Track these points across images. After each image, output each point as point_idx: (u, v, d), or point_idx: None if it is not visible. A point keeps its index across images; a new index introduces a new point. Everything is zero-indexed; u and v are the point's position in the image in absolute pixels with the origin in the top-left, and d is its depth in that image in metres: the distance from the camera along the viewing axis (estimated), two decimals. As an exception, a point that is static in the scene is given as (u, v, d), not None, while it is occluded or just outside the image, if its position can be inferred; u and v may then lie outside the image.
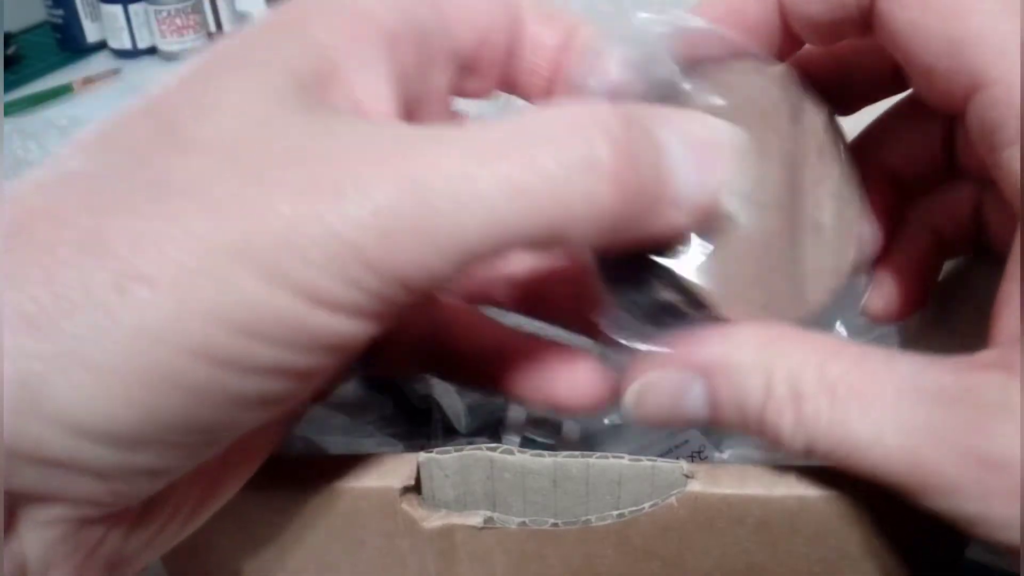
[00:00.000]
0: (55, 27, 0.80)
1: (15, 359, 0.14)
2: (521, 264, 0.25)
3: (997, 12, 0.17)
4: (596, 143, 0.16)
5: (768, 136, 0.20)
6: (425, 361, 0.24)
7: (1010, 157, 0.17)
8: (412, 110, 0.20)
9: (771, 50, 0.22)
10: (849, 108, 0.24)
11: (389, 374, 0.28)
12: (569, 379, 0.22)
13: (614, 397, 0.21)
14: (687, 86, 0.19)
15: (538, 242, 0.16)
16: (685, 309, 0.20)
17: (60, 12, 0.79)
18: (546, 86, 0.22)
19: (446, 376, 0.25)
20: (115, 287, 0.14)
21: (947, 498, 0.17)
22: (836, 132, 0.22)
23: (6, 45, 0.75)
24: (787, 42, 0.22)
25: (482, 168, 0.15)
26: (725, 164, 0.18)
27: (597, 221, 0.16)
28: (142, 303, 0.14)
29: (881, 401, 0.17)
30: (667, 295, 0.19)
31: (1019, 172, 0.17)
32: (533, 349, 0.23)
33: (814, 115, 0.22)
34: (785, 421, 0.18)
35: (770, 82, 0.21)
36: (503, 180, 0.15)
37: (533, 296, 0.25)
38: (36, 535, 0.15)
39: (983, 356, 0.18)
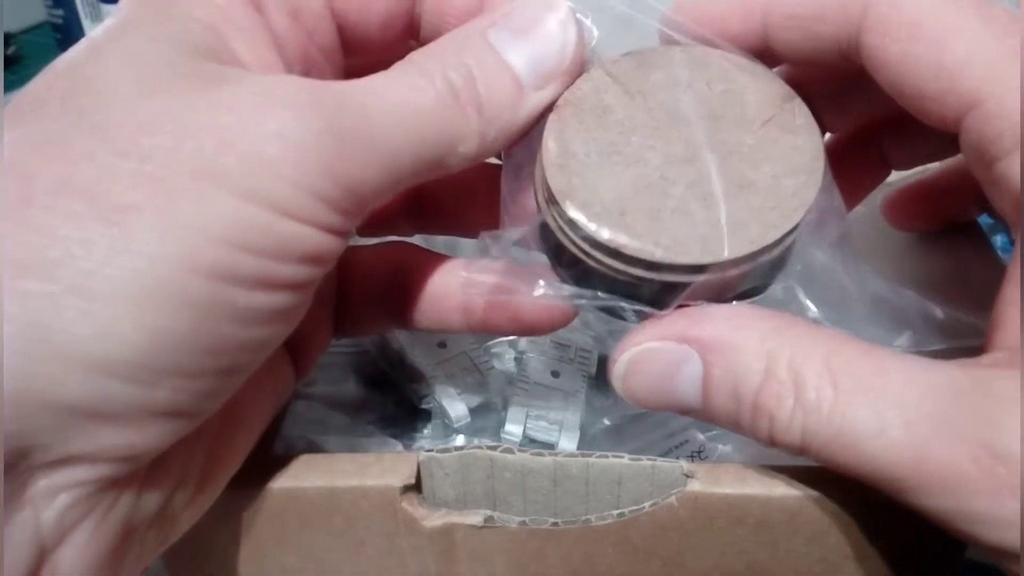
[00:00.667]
0: (55, 27, 0.80)
1: (21, 302, 0.14)
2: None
3: (984, 37, 0.18)
4: (451, 76, 0.19)
5: (683, 102, 0.21)
6: (393, 312, 0.25)
7: (1007, 167, 0.18)
8: (303, 70, 0.21)
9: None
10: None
11: (362, 333, 0.29)
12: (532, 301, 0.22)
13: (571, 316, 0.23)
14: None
15: (440, 155, 0.19)
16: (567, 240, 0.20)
17: (60, 12, 0.78)
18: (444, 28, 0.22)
19: (415, 325, 0.26)
20: (103, 220, 0.15)
21: (953, 493, 0.16)
22: (796, 111, 0.21)
23: (6, 45, 0.75)
24: (768, 62, 0.22)
25: (387, 92, 0.18)
26: (552, 34, 0.20)
27: (473, 135, 0.19)
28: (133, 229, 0.15)
29: (887, 392, 0.17)
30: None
31: (1017, 179, 0.17)
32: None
33: (767, 93, 0.21)
34: (782, 408, 0.18)
35: (701, 56, 0.21)
36: (403, 100, 0.18)
37: (430, 214, 0.27)
38: (50, 503, 0.15)
39: (990, 357, 0.17)
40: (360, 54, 0.22)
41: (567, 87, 0.21)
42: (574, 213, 0.19)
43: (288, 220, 0.16)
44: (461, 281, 0.24)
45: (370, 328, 0.27)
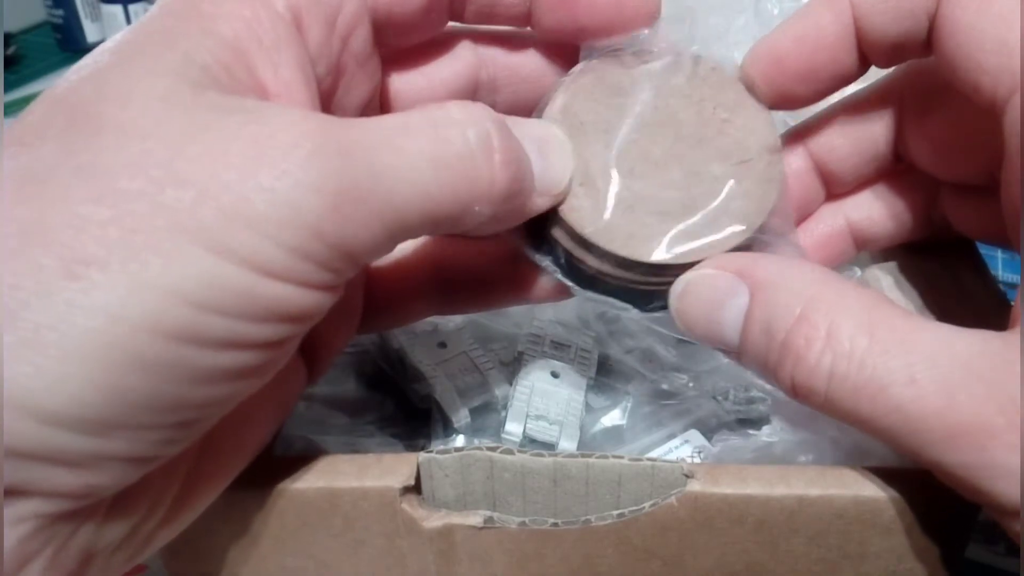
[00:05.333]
0: (55, 27, 0.80)
1: None
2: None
3: None
4: (490, 129, 0.18)
5: (685, 113, 0.22)
6: (433, 299, 0.25)
7: None
8: (332, 81, 0.20)
9: (841, 70, 0.22)
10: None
11: (405, 322, 0.28)
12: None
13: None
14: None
15: (451, 216, 0.18)
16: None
17: (60, 12, 0.79)
18: (523, 10, 0.23)
19: (452, 308, 0.26)
20: (65, 272, 0.14)
21: (977, 445, 0.16)
22: (772, 162, 0.23)
23: (6, 45, 0.75)
24: (861, 63, 0.22)
25: (407, 142, 0.17)
26: (561, 155, 0.21)
27: (492, 197, 0.19)
28: (94, 285, 0.14)
29: (921, 347, 0.17)
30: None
31: None
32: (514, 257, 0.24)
33: (758, 139, 0.23)
34: (811, 350, 0.18)
35: (727, 81, 0.23)
36: (424, 152, 0.17)
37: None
38: (8, 532, 0.15)
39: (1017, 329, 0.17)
40: (399, 45, 0.22)
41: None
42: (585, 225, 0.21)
43: (268, 279, 0.15)
44: None
45: (407, 319, 0.27)
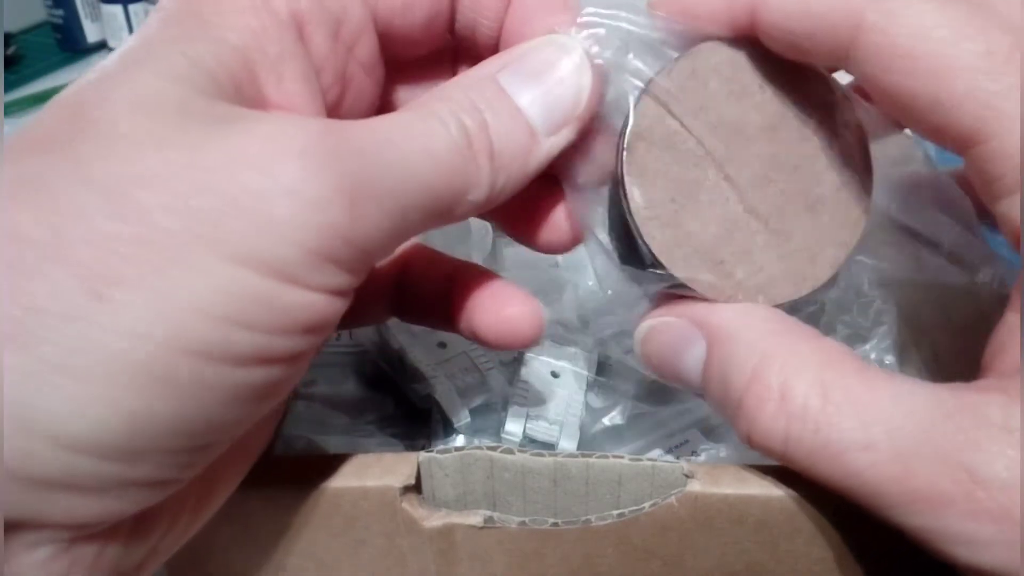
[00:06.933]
0: (55, 27, 0.80)
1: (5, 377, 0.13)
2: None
3: (983, 73, 0.17)
4: (465, 121, 0.18)
5: (748, 115, 0.20)
6: (391, 304, 0.25)
7: (1009, 206, 0.17)
8: (340, 89, 0.20)
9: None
10: None
11: (363, 323, 0.28)
12: (519, 308, 0.22)
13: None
14: (670, 52, 0.20)
15: (453, 206, 0.18)
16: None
17: (60, 12, 0.79)
18: (494, 39, 0.22)
19: (409, 317, 0.26)
20: (87, 292, 0.14)
21: (932, 513, 0.16)
22: (839, 100, 0.21)
23: (6, 45, 0.75)
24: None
25: (404, 139, 0.17)
26: (570, 76, 0.20)
27: (486, 183, 0.19)
28: (118, 305, 0.14)
29: (875, 408, 0.17)
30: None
31: (1018, 220, 0.17)
32: (485, 281, 0.23)
33: (807, 87, 0.21)
34: (763, 411, 0.18)
35: (746, 59, 0.21)
36: (420, 148, 0.17)
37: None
38: (30, 556, 0.15)
39: (983, 382, 0.17)
40: (402, 56, 0.22)
41: (579, 133, 0.20)
42: (681, 273, 0.20)
43: (292, 287, 0.15)
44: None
45: (368, 321, 0.27)
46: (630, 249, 0.21)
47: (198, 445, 0.16)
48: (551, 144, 0.20)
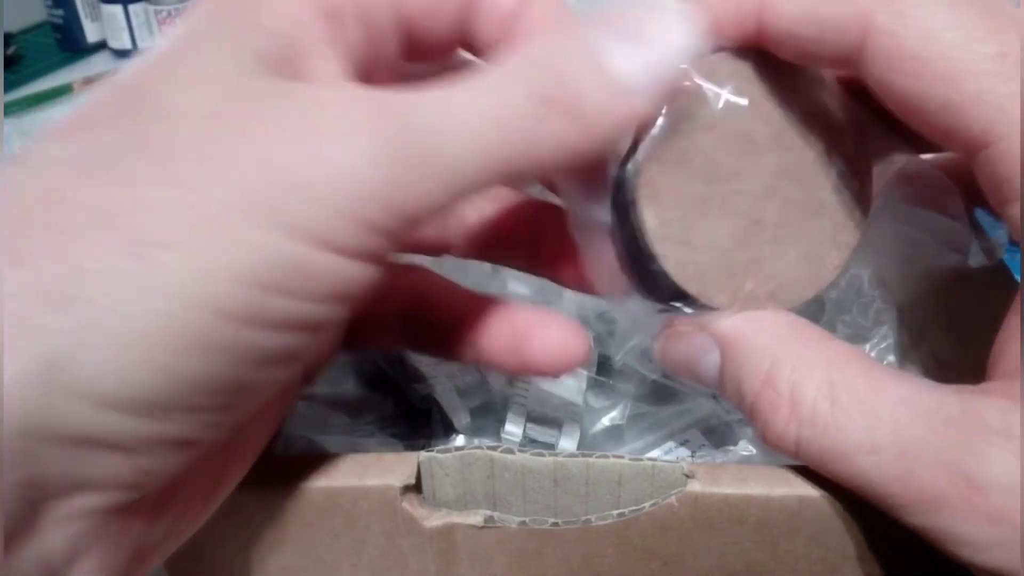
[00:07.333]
0: (55, 27, 0.80)
1: (39, 337, 0.14)
2: (476, 211, 0.25)
3: (993, 75, 0.17)
4: (545, 80, 0.17)
5: (755, 126, 0.20)
6: (404, 334, 0.25)
7: (1019, 209, 0.17)
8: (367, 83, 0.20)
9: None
10: None
11: (370, 347, 0.28)
12: (543, 340, 0.22)
13: (587, 356, 0.22)
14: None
15: (519, 171, 0.17)
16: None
17: (60, 12, 0.79)
18: (501, 40, 0.22)
19: (424, 349, 0.26)
20: (133, 255, 0.14)
21: (933, 515, 0.17)
22: (840, 102, 0.21)
23: (6, 45, 0.75)
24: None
25: (462, 104, 0.17)
26: (670, 26, 0.18)
27: (562, 146, 0.17)
28: (162, 266, 0.14)
29: (881, 412, 0.17)
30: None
31: None
32: (505, 312, 0.23)
33: (809, 92, 0.21)
34: (776, 416, 0.19)
35: (751, 69, 0.20)
36: (482, 112, 0.17)
37: (490, 240, 0.25)
38: (59, 531, 0.15)
39: (987, 385, 0.18)
40: (421, 62, 0.22)
41: (667, 97, 0.19)
42: (694, 290, 0.21)
43: (328, 253, 0.16)
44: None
45: (378, 346, 0.27)
46: (642, 275, 0.21)
47: (226, 403, 0.16)
48: (638, 106, 0.18)
